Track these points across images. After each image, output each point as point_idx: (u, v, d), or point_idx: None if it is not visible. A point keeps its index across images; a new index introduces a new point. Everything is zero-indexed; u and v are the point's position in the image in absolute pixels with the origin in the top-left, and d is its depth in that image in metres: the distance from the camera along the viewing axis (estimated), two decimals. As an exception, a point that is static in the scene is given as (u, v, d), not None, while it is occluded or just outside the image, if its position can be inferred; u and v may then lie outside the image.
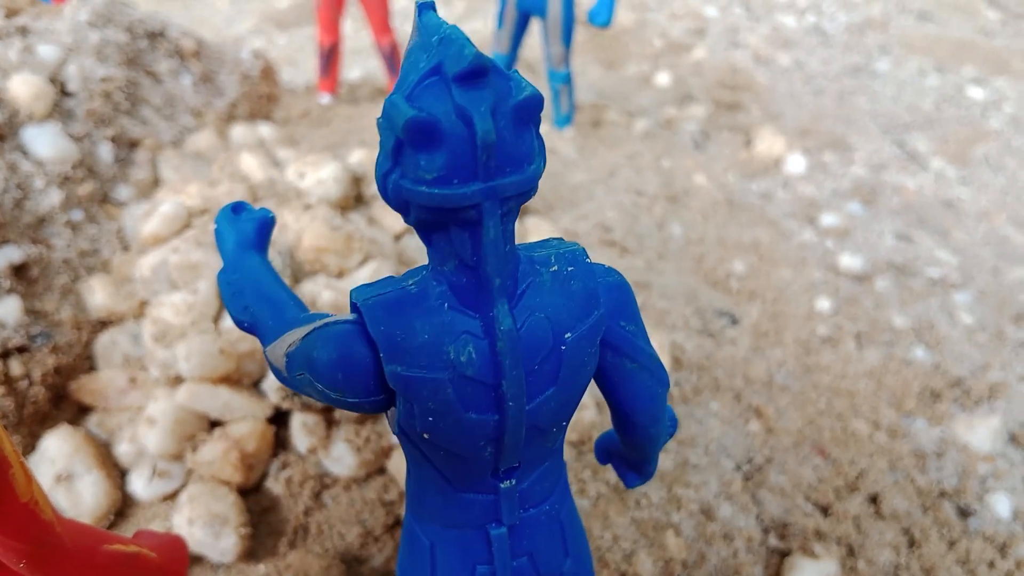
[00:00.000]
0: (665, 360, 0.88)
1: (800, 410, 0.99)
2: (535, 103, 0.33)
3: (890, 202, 1.44)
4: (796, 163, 1.50)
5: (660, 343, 0.89)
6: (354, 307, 0.38)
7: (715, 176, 1.42)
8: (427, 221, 0.35)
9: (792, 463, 0.92)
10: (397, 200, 0.34)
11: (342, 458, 0.74)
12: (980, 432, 1.02)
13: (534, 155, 0.35)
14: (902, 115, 1.73)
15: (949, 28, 2.12)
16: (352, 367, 0.37)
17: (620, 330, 0.41)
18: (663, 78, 1.82)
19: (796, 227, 1.33)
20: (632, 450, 0.48)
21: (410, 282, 0.37)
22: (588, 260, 0.40)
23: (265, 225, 0.51)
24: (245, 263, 0.48)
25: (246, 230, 0.50)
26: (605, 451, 0.53)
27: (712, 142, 1.57)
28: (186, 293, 0.78)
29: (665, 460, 0.81)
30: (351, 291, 0.38)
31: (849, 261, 1.24)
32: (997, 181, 1.51)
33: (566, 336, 0.38)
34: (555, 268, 0.38)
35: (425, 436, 0.38)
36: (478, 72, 0.32)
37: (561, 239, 0.41)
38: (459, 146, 0.32)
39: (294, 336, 0.40)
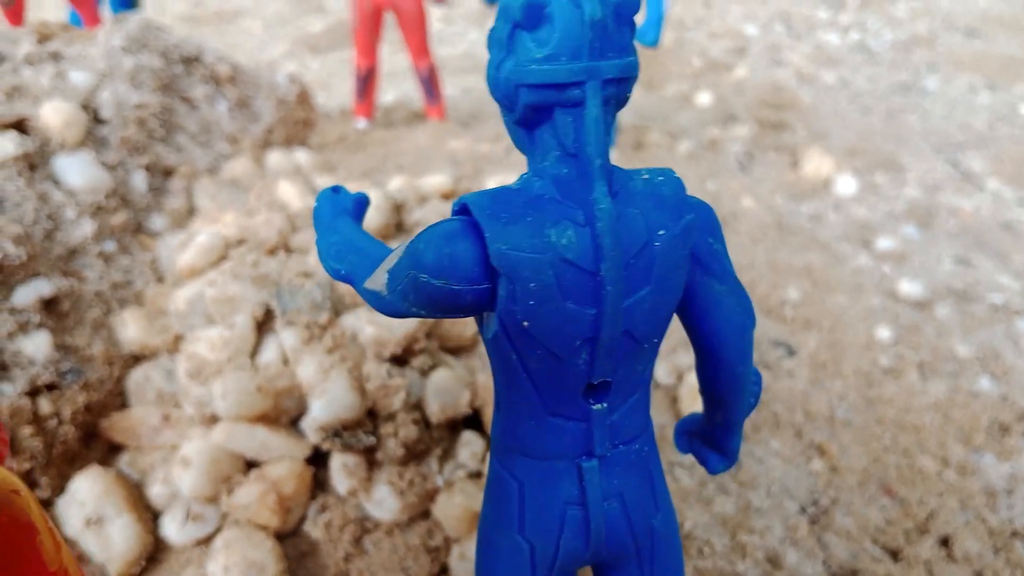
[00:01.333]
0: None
1: (864, 446, 0.93)
2: (634, 3, 0.38)
3: (947, 224, 1.37)
4: (846, 184, 1.45)
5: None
6: (458, 211, 0.40)
7: (762, 198, 1.37)
8: (534, 107, 0.38)
9: (858, 504, 0.86)
10: (507, 88, 0.38)
11: (384, 501, 0.70)
12: (1054, 469, 0.96)
13: (632, 49, 0.38)
14: (954, 134, 1.66)
15: (997, 45, 2.05)
16: (459, 251, 0.38)
17: (709, 246, 0.42)
18: (704, 98, 1.78)
19: (850, 251, 1.28)
20: (717, 406, 0.46)
21: (513, 184, 0.40)
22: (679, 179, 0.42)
23: (361, 201, 0.53)
24: (341, 226, 0.50)
25: (343, 201, 0.52)
26: (686, 434, 0.51)
27: (758, 163, 1.52)
28: (223, 328, 0.75)
29: (727, 503, 0.76)
30: (456, 200, 0.40)
31: (909, 287, 1.18)
32: (1059, 201, 1.45)
33: (660, 233, 0.39)
34: (646, 177, 0.41)
35: (525, 324, 0.38)
36: None
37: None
38: (568, 26, 0.36)
39: (395, 254, 0.42)
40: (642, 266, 0.39)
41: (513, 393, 0.42)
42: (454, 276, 0.38)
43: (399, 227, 0.92)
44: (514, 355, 0.40)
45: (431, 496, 0.70)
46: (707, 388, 0.45)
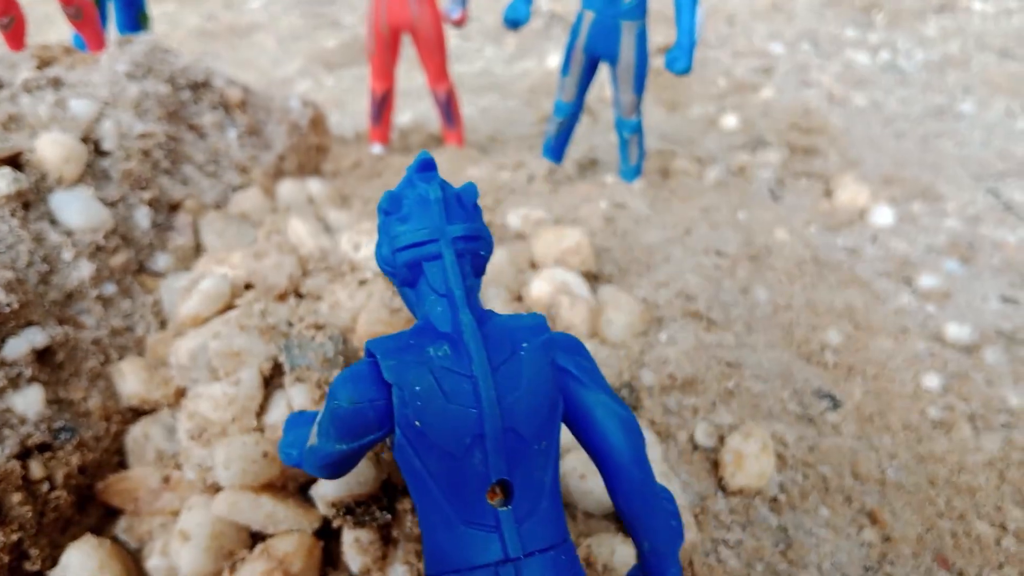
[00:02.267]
0: (767, 458, 0.77)
1: (918, 512, 0.86)
2: (471, 191, 0.52)
3: (991, 260, 1.30)
4: (883, 215, 1.38)
5: (762, 439, 0.77)
6: (366, 353, 0.49)
7: (796, 230, 1.30)
8: (408, 264, 0.49)
9: (915, 579, 0.79)
10: (389, 259, 0.51)
11: None
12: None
13: (477, 219, 0.52)
14: (993, 162, 1.59)
15: (1037, 65, 1.98)
16: (361, 375, 0.47)
17: (579, 363, 0.50)
18: (730, 120, 1.72)
19: (892, 289, 1.21)
20: (638, 531, 0.50)
21: (406, 331, 0.50)
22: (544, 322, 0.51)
23: None
24: (300, 423, 0.59)
25: (308, 416, 0.60)
26: None
27: (789, 191, 1.45)
28: (227, 385, 0.69)
29: (777, 588, 0.70)
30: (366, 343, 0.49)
31: (956, 330, 1.12)
32: (1108, 235, 1.37)
33: (523, 345, 0.48)
34: (514, 315, 0.51)
35: (417, 424, 0.46)
36: (428, 164, 0.52)
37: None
38: (417, 204, 0.50)
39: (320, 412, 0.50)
40: (511, 372, 0.47)
41: (427, 506, 0.48)
42: (357, 394, 0.47)
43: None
44: (417, 460, 0.47)
45: (453, 578, 0.64)
46: (621, 509, 0.50)
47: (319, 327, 0.72)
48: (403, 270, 0.50)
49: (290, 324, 0.75)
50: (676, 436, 0.79)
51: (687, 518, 0.69)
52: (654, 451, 0.74)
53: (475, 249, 0.50)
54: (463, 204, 0.51)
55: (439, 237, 0.48)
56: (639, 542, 0.50)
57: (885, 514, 0.83)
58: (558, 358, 0.50)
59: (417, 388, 0.46)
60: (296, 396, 0.69)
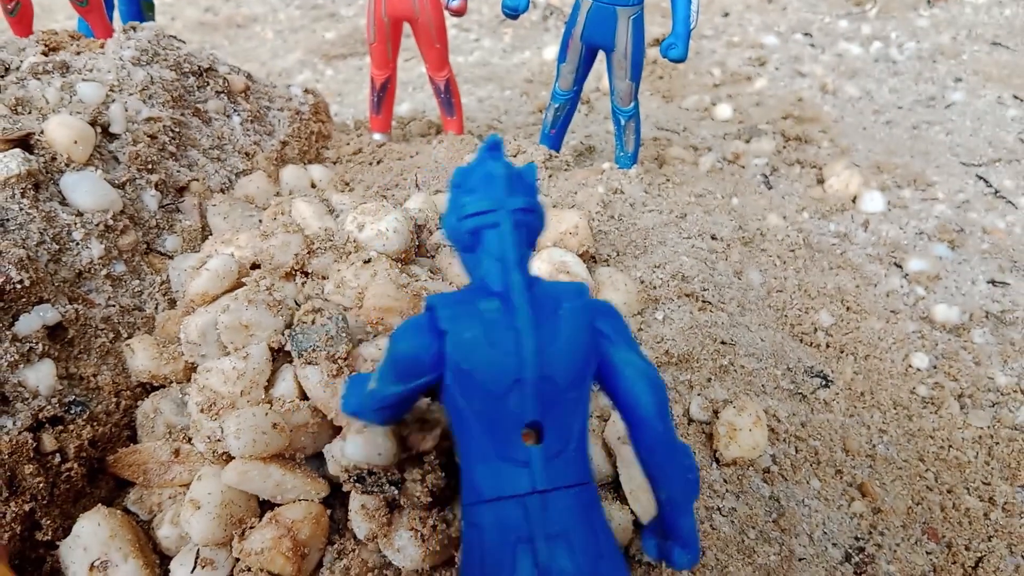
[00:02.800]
0: (759, 431, 0.79)
1: (907, 486, 0.88)
2: (530, 172, 0.57)
3: (980, 244, 1.33)
4: (874, 201, 1.40)
5: (755, 412, 0.80)
6: (427, 307, 0.55)
7: (789, 216, 1.33)
8: (470, 231, 0.54)
9: (903, 549, 0.82)
10: (455, 227, 0.55)
11: (406, 548, 0.65)
12: (1104, 505, 0.91)
13: (534, 194, 0.56)
14: (983, 149, 1.62)
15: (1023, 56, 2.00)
16: (420, 323, 0.54)
17: (613, 325, 0.55)
18: (724, 110, 1.74)
19: (882, 272, 1.23)
20: (658, 482, 0.54)
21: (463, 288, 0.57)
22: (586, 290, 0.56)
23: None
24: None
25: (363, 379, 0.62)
26: (652, 536, 0.58)
27: (782, 178, 1.47)
28: (236, 359, 0.71)
29: (769, 553, 0.72)
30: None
31: (945, 312, 1.14)
32: (1096, 221, 1.40)
33: (564, 305, 0.54)
34: (559, 285, 0.56)
35: (464, 366, 0.51)
36: (495, 145, 0.56)
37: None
38: (482, 179, 0.55)
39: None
40: (552, 328, 0.53)
41: (467, 442, 0.53)
42: (413, 341, 0.53)
43: (419, 250, 0.88)
44: (462, 400, 0.52)
45: (455, 544, 0.66)
46: (643, 459, 0.54)
47: (318, 311, 0.73)
48: (466, 236, 0.55)
49: (296, 304, 0.77)
50: (672, 410, 0.81)
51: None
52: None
53: (530, 221, 0.55)
54: (523, 181, 0.56)
55: (499, 208, 0.53)
56: (657, 492, 0.55)
57: (875, 487, 0.86)
58: (596, 320, 0.55)
59: (467, 335, 0.52)
60: (311, 375, 0.71)
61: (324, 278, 0.80)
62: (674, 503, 0.54)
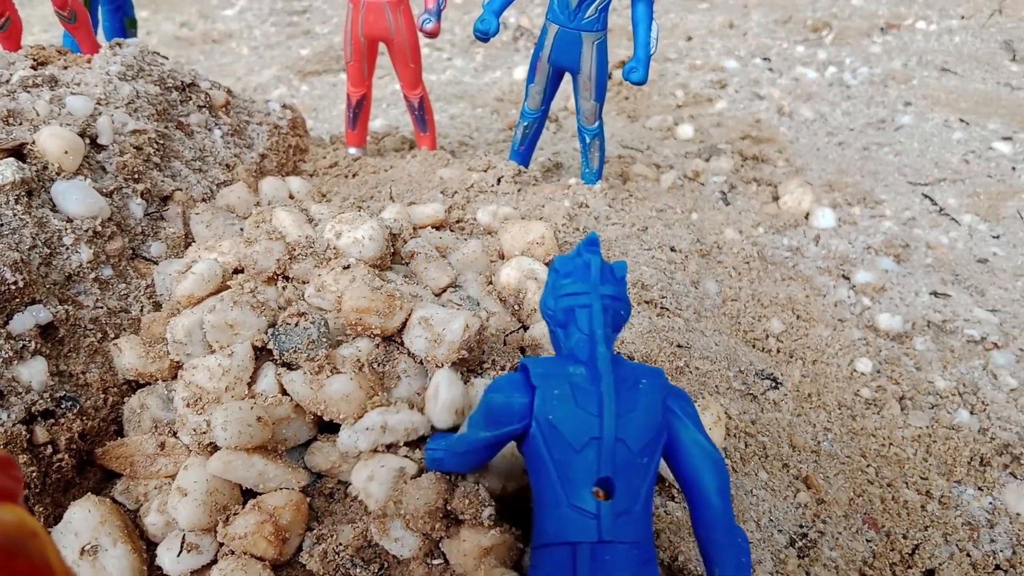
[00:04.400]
0: (718, 431, 0.85)
1: (849, 479, 0.95)
2: (621, 267, 0.64)
3: (924, 259, 1.41)
4: (825, 217, 1.48)
5: (716, 412, 0.86)
6: (520, 368, 0.63)
7: (745, 230, 1.40)
8: (565, 310, 0.62)
9: (844, 537, 0.88)
10: (552, 306, 0.64)
11: (403, 539, 0.70)
12: (1032, 501, 0.98)
13: (622, 285, 0.64)
14: (930, 169, 1.71)
15: (972, 82, 2.11)
16: (515, 378, 0.62)
17: (684, 408, 0.61)
18: (686, 130, 1.81)
19: (831, 284, 1.30)
20: (711, 559, 0.58)
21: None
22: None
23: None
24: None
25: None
26: None
27: (740, 195, 1.55)
28: (221, 356, 0.75)
29: (718, 536, 0.78)
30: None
31: (889, 321, 1.21)
32: (1031, 237, 1.49)
33: (643, 381, 0.60)
34: (635, 360, 0.66)
35: (550, 418, 0.58)
36: (593, 242, 0.64)
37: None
38: (581, 268, 0.63)
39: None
40: (630, 398, 0.59)
41: (543, 489, 0.58)
42: (508, 392, 0.61)
43: (395, 256, 0.93)
44: (544, 449, 0.58)
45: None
46: (700, 536, 0.59)
47: (301, 314, 0.78)
48: (560, 314, 0.62)
49: (280, 308, 0.82)
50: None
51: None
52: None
53: (617, 308, 0.62)
54: (614, 274, 0.63)
55: (592, 291, 0.61)
56: (710, 569, 0.59)
57: (819, 480, 0.92)
58: (668, 399, 0.61)
59: (556, 392, 0.59)
60: (295, 377, 0.75)
61: (304, 283, 0.85)
62: (720, 546, 0.58)
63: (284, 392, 0.77)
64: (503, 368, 0.82)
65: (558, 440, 0.58)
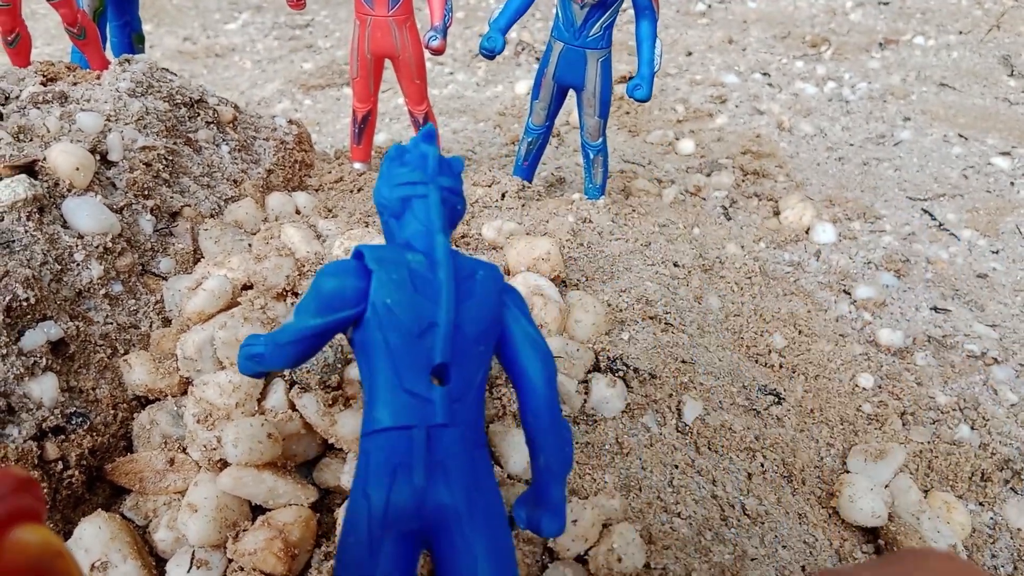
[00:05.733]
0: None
1: (852, 494, 0.95)
2: (458, 164, 0.65)
3: (924, 274, 1.42)
4: (825, 232, 1.49)
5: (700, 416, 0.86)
6: (354, 254, 0.60)
7: (746, 245, 1.41)
8: (402, 199, 0.61)
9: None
10: (387, 195, 0.63)
11: None
12: (1033, 516, 0.99)
13: (458, 180, 0.64)
14: (929, 184, 1.72)
15: (970, 97, 2.13)
16: (349, 263, 0.59)
17: (516, 300, 0.62)
18: (687, 145, 1.83)
19: (832, 299, 1.31)
20: (538, 448, 0.59)
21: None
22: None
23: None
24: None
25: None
26: (522, 506, 0.61)
27: (741, 210, 1.56)
28: (232, 373, 0.76)
29: (724, 552, 0.78)
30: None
31: (890, 336, 1.22)
32: (1030, 253, 1.50)
33: (479, 272, 0.61)
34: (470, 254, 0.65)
35: (388, 302, 0.56)
36: (430, 135, 0.64)
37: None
38: (416, 158, 0.63)
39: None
40: (467, 288, 0.59)
41: (377, 374, 0.57)
42: (340, 277, 0.58)
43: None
44: (379, 334, 0.56)
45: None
46: (527, 425, 0.59)
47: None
48: (396, 203, 0.62)
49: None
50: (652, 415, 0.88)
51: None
52: (616, 435, 0.83)
53: (454, 203, 0.63)
54: (452, 168, 0.64)
55: (430, 182, 0.61)
56: (536, 457, 0.59)
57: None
58: (504, 293, 0.62)
59: (394, 276, 0.57)
60: (310, 404, 0.76)
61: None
62: (550, 471, 0.58)
63: (293, 408, 0.77)
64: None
65: (395, 324, 0.56)
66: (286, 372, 0.78)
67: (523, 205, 1.25)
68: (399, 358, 0.56)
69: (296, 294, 0.86)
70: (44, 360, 0.78)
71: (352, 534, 0.54)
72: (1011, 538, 0.97)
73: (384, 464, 0.54)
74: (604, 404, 0.86)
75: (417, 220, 0.60)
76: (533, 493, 0.60)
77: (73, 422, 0.78)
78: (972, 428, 1.10)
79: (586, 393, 0.87)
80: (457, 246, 1.09)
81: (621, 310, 1.01)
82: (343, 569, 0.54)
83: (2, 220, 0.81)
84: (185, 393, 0.83)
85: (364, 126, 1.33)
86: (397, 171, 0.62)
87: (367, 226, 1.10)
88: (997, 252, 1.51)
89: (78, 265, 0.85)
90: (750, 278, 1.29)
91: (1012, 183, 1.72)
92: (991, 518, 0.99)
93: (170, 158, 1.01)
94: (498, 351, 0.61)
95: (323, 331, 0.58)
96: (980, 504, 1.01)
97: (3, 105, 0.95)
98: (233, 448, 0.71)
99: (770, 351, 1.15)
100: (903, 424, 1.09)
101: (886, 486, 0.94)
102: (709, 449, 0.90)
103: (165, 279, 0.93)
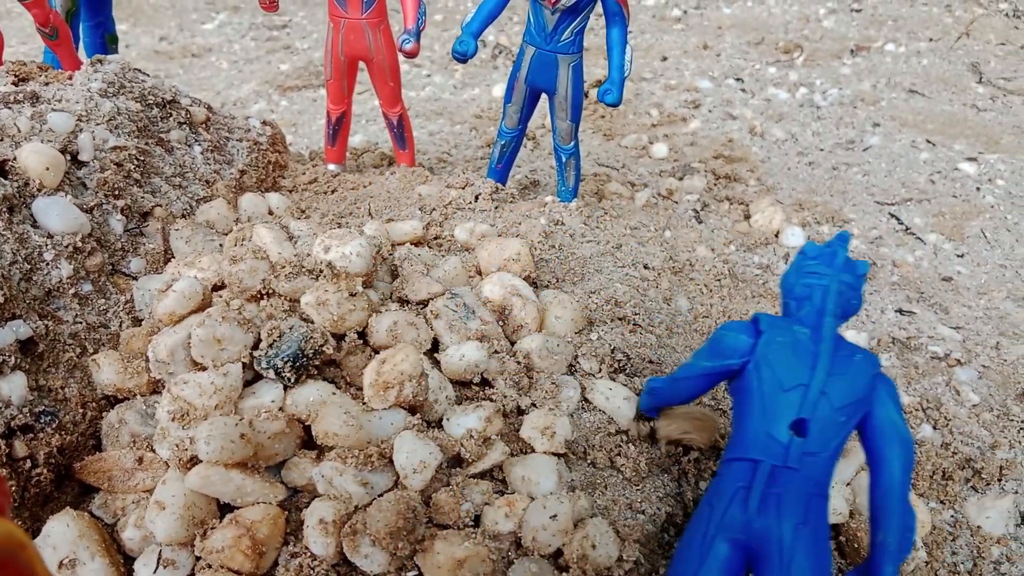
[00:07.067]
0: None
1: (815, 492, 0.97)
2: (863, 267, 0.71)
3: (890, 277, 1.45)
4: (794, 236, 1.52)
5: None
6: (752, 320, 0.72)
7: (717, 248, 1.43)
8: (807, 284, 0.70)
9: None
10: (792, 284, 0.72)
11: (372, 555, 0.71)
12: (992, 514, 1.01)
13: (858, 283, 0.70)
14: (897, 189, 1.75)
15: (939, 103, 2.17)
16: (742, 325, 0.72)
17: (888, 389, 0.69)
18: (660, 149, 1.85)
19: (800, 301, 1.33)
20: (876, 525, 0.66)
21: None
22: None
23: None
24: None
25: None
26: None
27: (712, 213, 1.58)
28: (215, 374, 0.76)
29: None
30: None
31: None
32: (994, 256, 1.53)
33: (858, 355, 0.68)
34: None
35: (769, 358, 0.67)
36: (844, 239, 0.73)
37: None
38: (825, 255, 0.70)
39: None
40: (843, 364, 0.67)
41: (747, 416, 0.68)
42: (736, 332, 0.71)
43: (375, 273, 0.94)
44: (756, 383, 0.68)
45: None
46: (874, 502, 0.66)
47: (281, 333, 0.80)
48: (799, 288, 0.71)
49: (264, 321, 0.83)
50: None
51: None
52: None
53: (849, 296, 0.70)
54: (855, 269, 0.71)
55: (832, 275, 0.69)
56: (875, 534, 0.66)
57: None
58: (878, 378, 0.68)
59: (779, 339, 0.68)
60: (269, 389, 0.77)
61: (289, 298, 0.85)
62: (886, 549, 0.65)
63: (281, 408, 0.78)
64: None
65: (770, 378, 0.67)
66: (260, 368, 0.78)
67: (496, 207, 1.26)
68: (767, 405, 0.66)
69: (269, 295, 0.86)
70: (13, 359, 0.78)
71: (693, 534, 0.68)
72: (971, 536, 1.00)
73: (730, 485, 0.67)
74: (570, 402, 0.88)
75: (813, 304, 0.68)
76: (866, 568, 0.67)
77: (42, 420, 0.78)
78: (934, 428, 1.13)
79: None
80: (429, 246, 1.10)
81: (591, 311, 1.03)
82: (681, 562, 0.68)
83: (-29, 219, 0.81)
84: (155, 392, 0.83)
85: (339, 128, 1.33)
86: (807, 263, 0.71)
87: (339, 226, 1.10)
88: (962, 256, 1.54)
89: (48, 264, 0.85)
90: (719, 280, 1.31)
91: (978, 188, 1.76)
92: (952, 516, 1.02)
93: (141, 158, 1.02)
94: (861, 427, 0.68)
95: (710, 373, 0.73)
96: (941, 502, 1.03)
97: (-27, 104, 0.95)
98: (206, 445, 0.71)
99: (738, 352, 1.16)
100: (866, 424, 1.11)
101: (848, 484, 0.95)
102: (676, 448, 0.91)
103: (135, 279, 0.93)
